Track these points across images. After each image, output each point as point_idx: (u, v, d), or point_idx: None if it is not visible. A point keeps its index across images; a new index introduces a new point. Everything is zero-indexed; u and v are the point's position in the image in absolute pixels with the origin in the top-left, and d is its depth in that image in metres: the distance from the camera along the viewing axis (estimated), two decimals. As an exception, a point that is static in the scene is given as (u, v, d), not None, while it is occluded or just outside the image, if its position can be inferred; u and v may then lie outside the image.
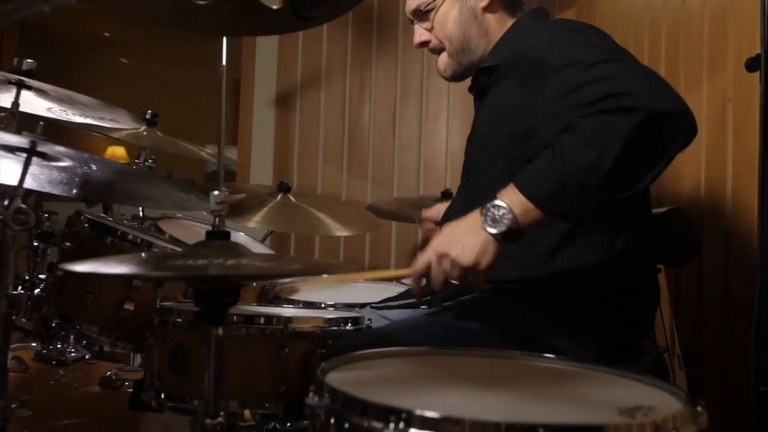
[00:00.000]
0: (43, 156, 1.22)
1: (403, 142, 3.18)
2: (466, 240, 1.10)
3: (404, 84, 3.18)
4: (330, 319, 1.25)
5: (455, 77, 1.48)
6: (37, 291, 1.50)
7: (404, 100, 3.18)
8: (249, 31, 1.15)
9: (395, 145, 3.18)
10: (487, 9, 1.43)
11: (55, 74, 5.92)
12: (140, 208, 2.05)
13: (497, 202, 1.08)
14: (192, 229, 1.92)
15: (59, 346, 1.70)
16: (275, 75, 3.28)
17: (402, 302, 1.52)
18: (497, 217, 1.07)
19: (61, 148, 1.16)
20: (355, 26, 3.21)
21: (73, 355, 1.72)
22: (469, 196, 1.40)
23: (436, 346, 1.05)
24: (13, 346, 1.73)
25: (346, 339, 1.20)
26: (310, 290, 1.93)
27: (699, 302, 1.71)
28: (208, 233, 0.95)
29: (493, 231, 1.08)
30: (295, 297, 1.77)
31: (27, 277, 1.65)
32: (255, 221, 1.97)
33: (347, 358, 0.90)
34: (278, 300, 1.77)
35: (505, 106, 1.32)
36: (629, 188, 1.05)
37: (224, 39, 0.97)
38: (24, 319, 1.73)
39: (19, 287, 1.59)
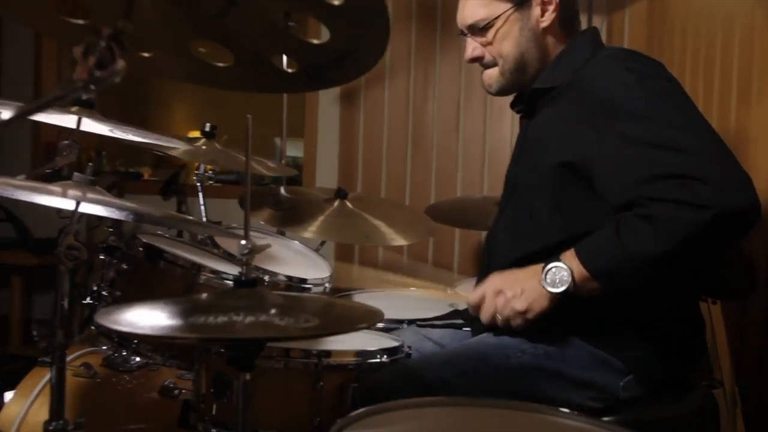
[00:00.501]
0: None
1: (467, 138, 3.14)
2: (524, 285, 1.18)
3: (468, 79, 3.13)
4: (366, 351, 1.26)
5: (501, 93, 1.45)
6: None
7: (468, 95, 3.13)
8: (267, 89, 1.18)
9: (459, 142, 3.15)
10: (547, 30, 1.38)
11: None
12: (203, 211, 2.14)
13: (560, 264, 1.15)
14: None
15: (124, 353, 1.80)
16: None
17: (447, 322, 1.53)
18: (557, 278, 1.15)
19: (109, 199, 1.22)
20: (419, 21, 3.17)
21: (137, 361, 1.81)
22: (514, 220, 1.39)
23: (462, 395, 1.05)
24: (85, 351, 1.85)
25: (377, 375, 1.21)
26: (365, 301, 1.96)
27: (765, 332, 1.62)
28: (235, 281, 0.98)
29: (551, 290, 1.15)
30: None
31: (95, 288, 1.75)
32: (311, 231, 2.00)
33: (365, 413, 0.91)
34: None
35: (558, 132, 1.29)
36: (689, 270, 1.14)
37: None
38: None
39: (88, 297, 1.70)
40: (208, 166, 2.06)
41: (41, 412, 1.52)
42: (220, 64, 0.83)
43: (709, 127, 1.15)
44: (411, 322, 1.70)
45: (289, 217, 2.07)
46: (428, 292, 2.06)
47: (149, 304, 0.96)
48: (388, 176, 3.21)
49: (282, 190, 2.20)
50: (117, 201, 1.17)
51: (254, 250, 0.98)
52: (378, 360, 1.26)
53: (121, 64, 0.71)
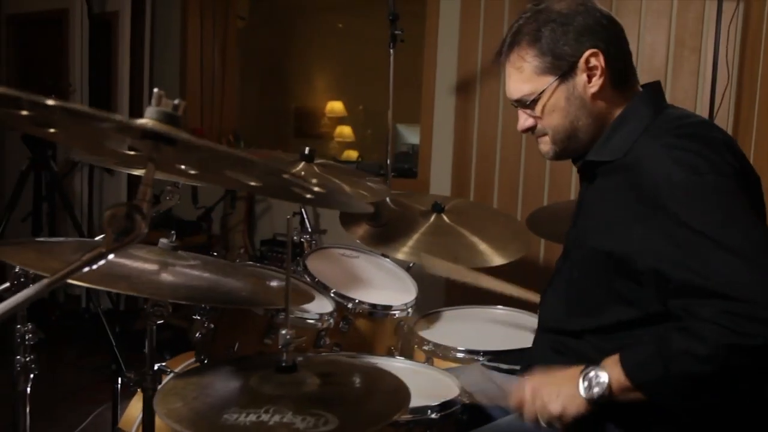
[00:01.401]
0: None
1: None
2: (560, 387, 1.19)
3: (588, 69, 2.98)
4: (418, 408, 1.33)
5: (557, 158, 1.40)
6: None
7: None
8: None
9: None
10: (597, 95, 1.30)
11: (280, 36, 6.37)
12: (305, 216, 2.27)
13: (600, 372, 1.14)
14: (338, 262, 2.07)
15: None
16: (456, 63, 3.28)
17: (510, 367, 1.55)
18: (594, 384, 1.15)
19: (192, 260, 1.36)
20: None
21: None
22: (566, 286, 1.37)
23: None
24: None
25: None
26: (447, 323, 2.02)
27: None
28: (276, 367, 1.08)
29: (585, 395, 1.15)
30: (428, 334, 1.87)
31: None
32: (403, 252, 2.06)
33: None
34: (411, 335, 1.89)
35: (607, 214, 1.25)
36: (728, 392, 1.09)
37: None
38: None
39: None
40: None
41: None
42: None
43: (758, 232, 1.08)
44: (486, 353, 1.74)
45: (384, 234, 2.15)
46: (512, 314, 2.07)
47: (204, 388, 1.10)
48: (501, 174, 3.19)
49: (387, 199, 2.27)
50: (194, 273, 1.30)
51: (292, 342, 1.07)
52: (429, 416, 1.32)
53: (143, 229, 0.82)
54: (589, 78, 1.29)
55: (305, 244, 2.33)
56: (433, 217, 2.22)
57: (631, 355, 1.12)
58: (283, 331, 1.08)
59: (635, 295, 1.17)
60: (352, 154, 6.54)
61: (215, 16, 4.33)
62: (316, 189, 0.98)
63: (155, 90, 0.79)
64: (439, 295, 3.03)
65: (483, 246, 2.17)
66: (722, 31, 2.51)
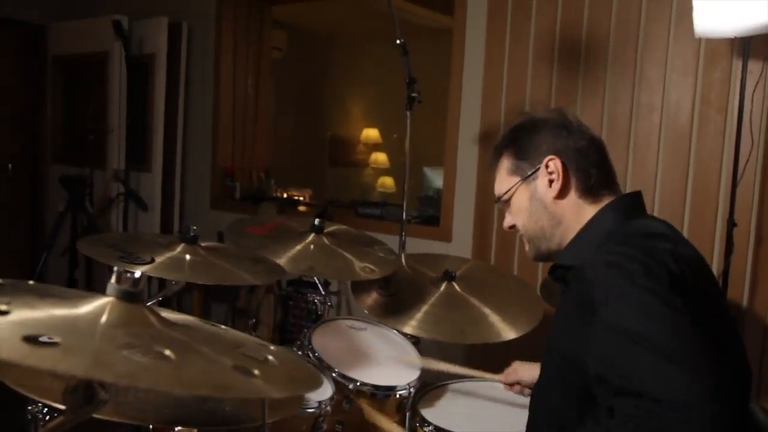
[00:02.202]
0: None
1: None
2: None
3: (611, 123, 2.95)
4: None
5: (538, 259, 1.46)
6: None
7: (611, 139, 2.95)
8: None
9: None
10: (558, 200, 1.35)
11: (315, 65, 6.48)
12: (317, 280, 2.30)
13: None
14: (345, 336, 2.10)
15: None
16: (479, 111, 3.27)
17: None
18: None
19: None
20: (561, 63, 3.03)
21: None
22: (543, 386, 1.38)
23: None
24: None
25: None
26: (451, 400, 2.02)
27: None
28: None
29: None
30: (430, 414, 1.87)
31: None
32: (410, 325, 2.06)
33: None
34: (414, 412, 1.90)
35: (567, 318, 1.27)
36: None
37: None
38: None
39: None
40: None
41: None
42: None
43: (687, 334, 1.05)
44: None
45: (393, 304, 2.16)
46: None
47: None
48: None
49: (404, 259, 2.29)
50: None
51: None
52: None
53: (104, 396, 0.86)
54: (550, 182, 1.35)
55: (318, 307, 2.37)
56: (443, 286, 2.22)
57: None
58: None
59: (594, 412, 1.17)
60: (388, 181, 6.60)
61: (250, 49, 4.42)
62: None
63: (115, 268, 0.83)
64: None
65: (493, 318, 2.15)
66: (747, 92, 2.45)
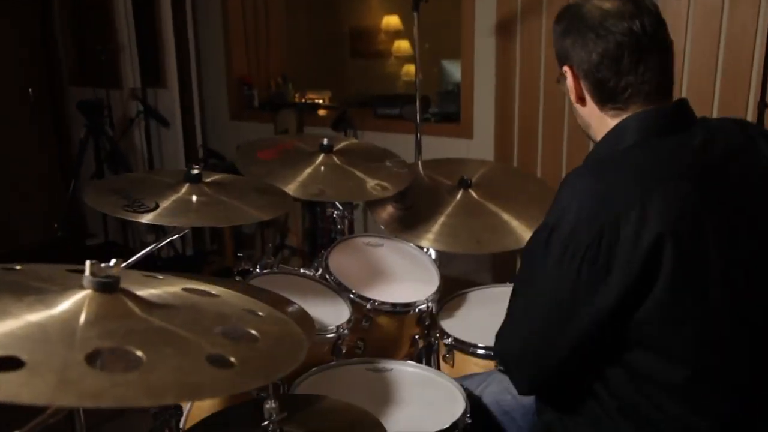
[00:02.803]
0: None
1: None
2: None
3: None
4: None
5: None
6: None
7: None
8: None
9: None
10: (581, 103, 1.32)
11: None
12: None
13: None
14: (362, 253, 2.11)
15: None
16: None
17: None
18: None
19: None
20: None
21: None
22: None
23: None
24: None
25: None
26: (472, 310, 2.04)
27: None
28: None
29: None
30: (450, 325, 1.91)
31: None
32: (428, 238, 2.05)
33: None
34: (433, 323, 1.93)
35: None
36: None
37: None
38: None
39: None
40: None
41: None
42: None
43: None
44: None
45: (409, 218, 2.15)
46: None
47: None
48: (545, 111, 3.06)
49: (420, 167, 2.26)
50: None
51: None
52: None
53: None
54: (572, 82, 1.31)
55: (338, 221, 2.38)
56: (459, 194, 2.18)
57: None
58: (268, 405, 1.15)
59: None
60: (412, 69, 6.41)
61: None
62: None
63: (87, 261, 0.83)
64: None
65: (514, 224, 2.11)
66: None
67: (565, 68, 1.30)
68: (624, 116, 1.25)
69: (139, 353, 0.72)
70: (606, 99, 1.26)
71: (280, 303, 1.67)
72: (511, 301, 1.29)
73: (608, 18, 1.23)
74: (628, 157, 1.20)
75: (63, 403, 0.65)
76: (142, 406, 0.67)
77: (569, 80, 1.30)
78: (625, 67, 1.24)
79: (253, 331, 0.85)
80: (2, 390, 0.61)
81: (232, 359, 0.77)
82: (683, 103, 1.26)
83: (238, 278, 1.86)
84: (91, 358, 0.69)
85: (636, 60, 1.23)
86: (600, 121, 1.29)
